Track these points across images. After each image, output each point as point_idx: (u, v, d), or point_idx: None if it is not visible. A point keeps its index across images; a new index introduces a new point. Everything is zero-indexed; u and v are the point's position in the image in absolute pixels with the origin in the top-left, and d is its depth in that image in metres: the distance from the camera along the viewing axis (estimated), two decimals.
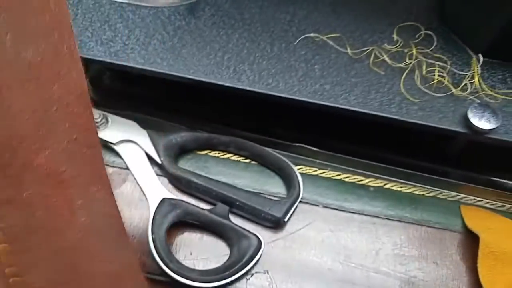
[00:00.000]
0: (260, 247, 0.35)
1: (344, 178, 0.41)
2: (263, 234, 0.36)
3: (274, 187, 0.39)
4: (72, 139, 0.17)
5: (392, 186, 0.41)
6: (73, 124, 0.17)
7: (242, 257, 0.34)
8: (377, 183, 0.41)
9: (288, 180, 0.39)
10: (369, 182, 0.41)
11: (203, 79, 0.33)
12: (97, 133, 0.19)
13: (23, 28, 0.16)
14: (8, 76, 0.16)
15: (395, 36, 0.38)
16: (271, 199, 0.37)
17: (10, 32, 0.15)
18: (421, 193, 0.41)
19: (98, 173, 0.19)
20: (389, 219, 0.39)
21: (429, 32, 0.39)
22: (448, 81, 0.36)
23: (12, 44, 0.16)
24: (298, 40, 0.37)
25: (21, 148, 0.16)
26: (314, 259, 0.37)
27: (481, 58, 0.36)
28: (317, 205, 0.39)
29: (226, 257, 0.35)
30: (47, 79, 0.17)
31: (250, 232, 0.35)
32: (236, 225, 0.35)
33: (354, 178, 0.41)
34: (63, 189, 0.18)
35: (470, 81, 0.35)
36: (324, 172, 0.41)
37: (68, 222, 0.18)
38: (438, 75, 0.36)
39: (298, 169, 0.40)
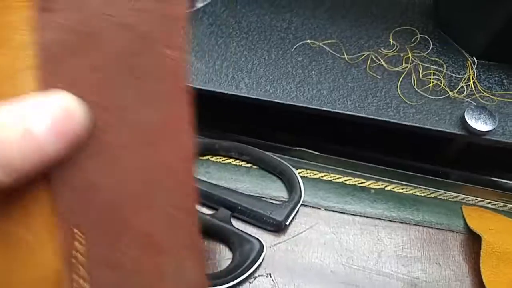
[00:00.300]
0: (262, 251, 0.35)
1: (345, 180, 0.42)
2: (265, 238, 0.37)
3: (276, 191, 0.40)
4: (172, 204, 0.17)
5: (393, 188, 0.42)
6: (176, 189, 0.17)
7: (245, 261, 0.34)
8: (378, 185, 0.42)
9: (289, 183, 0.40)
10: (370, 184, 0.42)
11: (202, 87, 0.34)
12: (196, 201, 0.18)
13: (145, 92, 0.16)
14: (125, 136, 0.16)
15: (391, 41, 0.39)
16: (272, 203, 0.38)
17: (133, 96, 0.16)
18: (423, 194, 0.41)
19: (193, 241, 0.18)
20: (391, 221, 0.39)
21: (424, 36, 0.39)
22: (444, 84, 0.36)
23: (133, 107, 0.16)
24: (295, 47, 0.38)
25: (125, 207, 0.16)
26: (317, 261, 0.37)
27: (476, 61, 0.37)
28: (319, 208, 0.40)
29: (229, 261, 0.36)
30: (159, 142, 0.17)
31: (252, 236, 0.35)
32: (238, 229, 0.36)
33: (355, 181, 0.42)
34: (156, 254, 0.17)
35: (466, 84, 0.36)
36: (325, 175, 0.42)
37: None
38: (434, 78, 0.36)
39: (299, 173, 0.40)
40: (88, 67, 0.16)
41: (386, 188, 0.42)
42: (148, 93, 0.16)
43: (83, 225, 0.16)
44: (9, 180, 0.14)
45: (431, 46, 0.38)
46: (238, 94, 0.34)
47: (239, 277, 0.34)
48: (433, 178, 0.41)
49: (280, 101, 0.34)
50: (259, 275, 0.36)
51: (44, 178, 0.15)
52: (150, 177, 0.17)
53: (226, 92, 0.34)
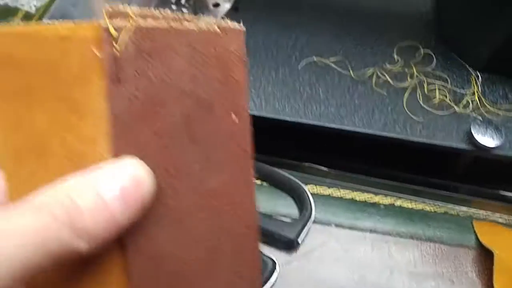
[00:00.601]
0: (275, 269, 0.35)
1: (355, 196, 0.42)
2: (278, 256, 0.37)
3: (286, 208, 0.40)
4: (236, 272, 0.17)
5: (402, 203, 0.41)
6: (239, 257, 0.17)
7: None
8: (388, 200, 0.42)
9: (300, 200, 0.40)
10: (379, 200, 0.42)
11: None
12: (260, 270, 0.18)
13: (209, 157, 0.17)
14: (190, 202, 0.17)
15: (395, 56, 0.39)
16: (283, 220, 0.38)
17: (198, 162, 0.17)
18: (432, 209, 0.41)
19: None
20: (402, 237, 0.39)
21: (428, 51, 0.40)
22: (449, 99, 0.36)
23: (198, 173, 0.17)
24: (301, 65, 0.38)
25: (191, 275, 0.17)
26: (329, 278, 0.37)
27: (480, 75, 0.37)
28: (330, 225, 0.40)
29: None
30: (223, 208, 0.17)
31: (264, 254, 0.35)
32: None
33: (365, 196, 0.42)
34: None
35: (471, 98, 0.36)
36: (335, 191, 0.42)
37: None
38: (440, 93, 0.37)
39: (309, 189, 0.40)
40: (154, 134, 0.16)
41: (395, 204, 0.41)
42: (212, 159, 0.17)
43: None
44: (85, 246, 0.14)
45: (435, 61, 0.39)
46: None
47: None
48: (443, 192, 0.41)
49: (289, 119, 0.35)
50: None
51: (118, 245, 0.16)
52: (214, 244, 0.17)
53: None
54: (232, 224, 0.17)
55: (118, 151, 0.16)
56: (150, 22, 0.16)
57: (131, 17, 0.16)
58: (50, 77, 0.16)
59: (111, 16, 0.16)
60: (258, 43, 0.40)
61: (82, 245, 0.14)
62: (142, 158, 0.16)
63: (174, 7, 0.46)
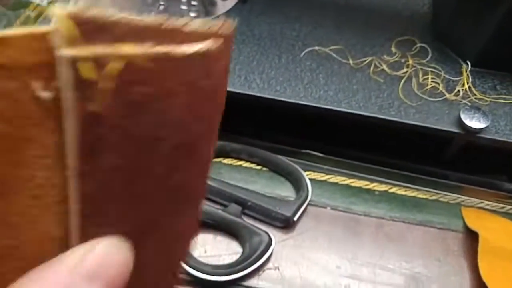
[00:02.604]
0: (271, 244, 0.37)
1: (351, 183, 0.44)
2: (274, 233, 0.38)
3: (285, 191, 0.42)
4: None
5: (396, 190, 0.43)
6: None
7: (254, 253, 0.36)
8: (382, 187, 0.44)
9: (297, 183, 0.42)
10: (374, 186, 0.44)
11: None
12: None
13: (179, 205, 0.14)
14: (154, 245, 0.14)
15: (393, 49, 0.42)
16: (281, 200, 0.40)
17: (169, 211, 0.14)
18: (424, 196, 0.43)
19: None
20: (394, 220, 0.41)
21: (424, 45, 0.42)
22: (442, 87, 0.39)
23: (167, 219, 0.15)
24: (303, 53, 0.41)
25: None
26: (323, 256, 0.39)
27: (470, 67, 0.40)
28: (325, 207, 0.42)
29: (239, 255, 0.37)
30: (178, 248, 0.16)
31: (261, 229, 0.37)
32: (248, 223, 0.37)
33: (360, 183, 0.44)
34: None
35: (462, 88, 0.38)
36: (331, 177, 0.44)
37: None
38: (433, 82, 0.39)
39: (307, 175, 0.42)
40: (128, 203, 0.13)
41: (389, 191, 0.43)
42: (180, 205, 0.14)
43: None
44: None
45: (430, 54, 0.41)
46: (250, 93, 0.37)
47: (248, 267, 0.36)
48: (435, 180, 0.43)
49: (289, 100, 0.37)
50: (267, 268, 0.37)
51: None
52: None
53: (239, 91, 0.37)
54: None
55: (87, 234, 0.12)
56: (143, 49, 0.10)
57: (116, 37, 0.09)
58: None
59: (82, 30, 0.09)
60: (264, 33, 0.43)
61: None
62: (116, 230, 0.13)
63: (184, 0, 0.48)
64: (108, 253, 0.12)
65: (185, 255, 0.17)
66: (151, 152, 0.12)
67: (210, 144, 0.14)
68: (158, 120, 0.11)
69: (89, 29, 0.09)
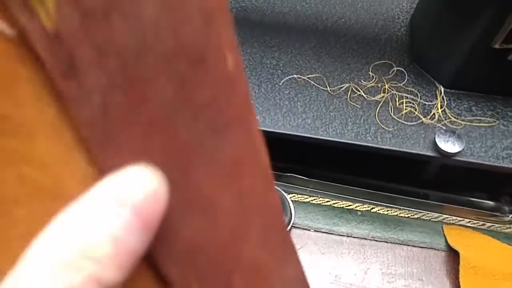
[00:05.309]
0: None
1: (333, 204, 0.45)
2: None
3: None
4: (265, 225, 0.16)
5: (378, 210, 0.44)
6: (264, 210, 0.16)
7: None
8: (365, 207, 0.45)
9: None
10: (356, 206, 0.45)
11: None
12: (282, 214, 0.17)
13: (217, 122, 0.13)
14: (213, 184, 0.14)
15: (370, 73, 0.43)
16: None
17: (208, 134, 0.13)
18: (407, 215, 0.44)
19: (291, 253, 0.18)
20: (377, 241, 0.42)
21: (401, 68, 0.43)
22: (418, 111, 0.40)
23: (212, 149, 0.14)
24: (282, 81, 0.42)
25: (231, 245, 0.15)
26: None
27: (446, 90, 0.41)
28: (309, 230, 0.43)
29: None
30: (242, 172, 0.15)
31: None
32: None
33: (343, 204, 0.45)
34: (264, 278, 0.17)
35: (438, 111, 0.39)
36: (315, 199, 0.45)
37: None
38: (409, 106, 0.40)
39: (290, 197, 0.43)
40: (146, 126, 0.12)
41: (372, 210, 0.44)
42: (219, 128, 0.14)
43: (196, 284, 0.15)
44: (114, 279, 0.11)
45: (406, 78, 0.42)
46: None
47: None
48: (416, 199, 0.44)
49: (268, 129, 0.38)
50: None
51: (147, 258, 0.13)
52: (240, 208, 0.15)
53: None
54: (252, 182, 0.15)
55: (106, 164, 0.12)
56: None
57: None
58: None
59: None
60: (244, 62, 0.44)
61: (113, 275, 0.11)
62: (143, 161, 0.12)
63: None
64: (133, 180, 0.12)
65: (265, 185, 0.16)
66: (142, 67, 0.11)
67: (228, 57, 0.13)
68: (131, 26, 0.11)
69: None
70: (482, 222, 0.43)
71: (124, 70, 0.11)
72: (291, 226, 0.42)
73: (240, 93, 0.13)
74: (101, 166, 0.12)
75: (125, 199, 0.11)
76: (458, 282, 0.38)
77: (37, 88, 0.11)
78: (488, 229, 0.42)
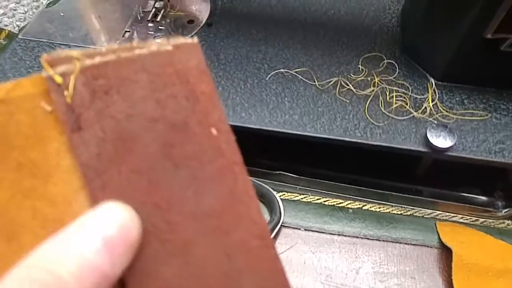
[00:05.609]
0: None
1: (324, 201, 0.44)
2: None
3: None
4: (260, 286, 0.16)
5: (370, 207, 0.43)
6: (259, 271, 0.16)
7: None
8: (356, 205, 0.43)
9: (270, 206, 0.41)
10: (348, 204, 0.43)
11: None
12: (286, 276, 0.17)
13: (200, 179, 0.16)
14: (191, 231, 0.16)
15: (360, 66, 0.42)
16: None
17: (189, 187, 0.16)
18: (399, 212, 0.43)
19: None
20: (368, 239, 0.41)
21: (391, 61, 0.42)
22: (409, 105, 0.38)
23: (192, 198, 0.16)
24: (269, 76, 0.40)
25: None
26: (296, 280, 0.39)
27: (437, 83, 0.39)
28: (299, 229, 0.41)
29: None
30: (228, 226, 0.16)
31: None
32: None
33: (334, 201, 0.44)
34: None
35: (429, 104, 0.38)
36: (305, 197, 0.44)
37: None
38: (400, 100, 0.39)
39: (280, 196, 0.42)
40: (132, 172, 0.15)
41: (363, 208, 0.43)
42: (202, 179, 0.16)
43: None
44: None
45: (397, 70, 0.41)
46: None
47: None
48: (409, 196, 0.43)
49: (254, 127, 0.36)
50: None
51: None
52: (229, 266, 0.16)
53: None
54: (242, 239, 0.16)
55: (97, 201, 0.15)
56: (98, 59, 0.15)
57: (76, 58, 0.15)
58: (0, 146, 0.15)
59: (53, 63, 0.15)
60: (229, 56, 0.42)
61: None
62: (125, 201, 0.15)
63: (151, 24, 0.48)
64: (107, 214, 0.15)
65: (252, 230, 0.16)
66: (130, 127, 0.16)
67: (212, 127, 0.16)
68: (125, 100, 0.16)
69: (57, 62, 0.15)
70: (475, 218, 0.42)
71: (116, 128, 0.15)
72: (281, 225, 0.41)
73: (226, 153, 0.16)
74: (93, 199, 0.15)
75: (97, 229, 0.14)
76: (451, 279, 0.37)
77: (59, 145, 0.15)
78: (482, 224, 0.41)
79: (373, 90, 0.39)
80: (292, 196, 0.44)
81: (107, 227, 0.14)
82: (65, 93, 0.15)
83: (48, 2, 0.51)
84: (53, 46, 0.44)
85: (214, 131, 0.16)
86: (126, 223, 0.15)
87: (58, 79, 0.15)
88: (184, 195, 0.16)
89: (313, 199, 0.44)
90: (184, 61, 0.16)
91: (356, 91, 0.40)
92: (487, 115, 0.38)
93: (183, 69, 0.16)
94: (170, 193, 0.16)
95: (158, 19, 0.48)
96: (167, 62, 0.16)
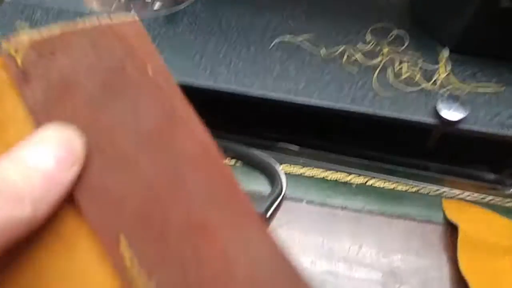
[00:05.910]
0: None
1: (327, 175, 0.42)
2: None
3: (259, 186, 0.40)
4: (208, 188, 0.17)
5: (374, 183, 0.42)
6: (204, 174, 0.17)
7: None
8: (360, 180, 0.42)
9: (272, 178, 0.40)
10: (351, 179, 0.42)
11: (180, 81, 0.35)
12: (233, 176, 0.18)
13: (138, 104, 0.19)
14: (134, 144, 0.18)
15: (368, 37, 0.40)
16: (253, 196, 0.38)
17: (129, 112, 0.19)
18: (404, 188, 0.42)
19: (245, 213, 0.18)
20: (372, 214, 0.40)
21: (401, 31, 0.40)
22: (419, 76, 0.37)
23: (132, 120, 0.18)
24: (273, 43, 0.39)
25: (159, 207, 0.17)
26: (298, 253, 0.38)
27: (446, 53, 0.38)
28: (301, 202, 0.40)
29: None
30: (167, 138, 0.18)
31: None
32: None
33: (337, 176, 0.42)
34: (211, 239, 0.17)
35: (440, 76, 0.37)
36: (308, 170, 0.43)
37: (227, 274, 0.16)
38: (410, 71, 0.37)
39: (282, 168, 0.41)
40: (76, 106, 0.18)
41: (367, 183, 0.42)
42: (141, 105, 0.18)
43: (123, 233, 0.17)
44: (29, 210, 0.15)
45: (407, 42, 0.39)
46: (215, 86, 0.35)
47: None
48: (414, 171, 0.42)
49: (256, 93, 0.35)
50: None
51: (72, 205, 0.17)
52: (175, 172, 0.17)
53: (203, 84, 0.35)
54: (183, 149, 0.18)
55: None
56: (45, 33, 0.19)
57: (26, 35, 0.19)
58: None
59: (10, 42, 0.19)
60: (232, 23, 0.41)
61: (27, 210, 0.15)
62: (69, 122, 0.18)
63: None
64: (51, 127, 0.17)
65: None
66: (73, 74, 0.19)
67: (142, 67, 0.19)
68: (69, 56, 0.19)
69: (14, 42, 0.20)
70: (482, 196, 0.41)
71: (60, 78, 0.19)
72: (282, 197, 0.39)
73: (163, 87, 0.19)
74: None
75: (42, 140, 0.17)
76: (456, 256, 0.36)
77: (15, 103, 0.19)
78: (488, 203, 0.40)
79: (381, 61, 0.38)
80: (294, 169, 0.42)
81: (52, 139, 0.16)
82: (17, 59, 0.19)
83: None
84: (43, 8, 0.43)
85: (150, 72, 0.19)
86: (70, 136, 0.17)
87: (12, 51, 0.19)
88: (124, 120, 0.18)
89: (316, 173, 0.42)
90: (124, 30, 0.20)
91: (363, 61, 0.38)
92: (500, 88, 0.36)
93: (122, 32, 0.20)
94: (111, 119, 0.18)
95: None
96: (106, 30, 0.20)
